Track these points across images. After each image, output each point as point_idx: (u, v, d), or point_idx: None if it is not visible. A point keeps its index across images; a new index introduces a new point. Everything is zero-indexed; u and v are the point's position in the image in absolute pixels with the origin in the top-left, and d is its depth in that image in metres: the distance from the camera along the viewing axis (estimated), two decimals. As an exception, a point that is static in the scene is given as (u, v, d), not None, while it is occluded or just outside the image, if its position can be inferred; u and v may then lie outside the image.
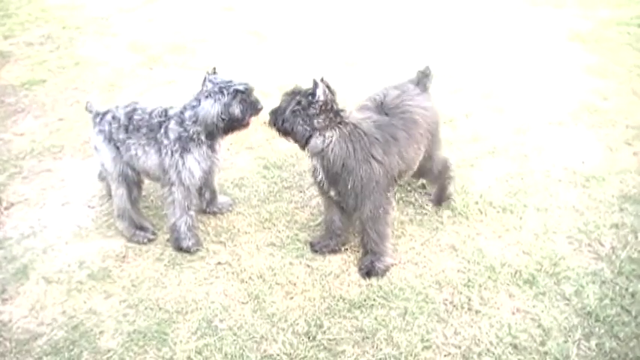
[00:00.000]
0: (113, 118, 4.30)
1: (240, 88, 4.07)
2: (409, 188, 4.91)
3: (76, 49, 7.74)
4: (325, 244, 4.38)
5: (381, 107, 4.14)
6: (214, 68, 4.20)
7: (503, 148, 5.40)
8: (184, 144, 4.16)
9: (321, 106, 3.78)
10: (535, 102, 6.17)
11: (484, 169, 5.11)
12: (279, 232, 4.56)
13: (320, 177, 4.04)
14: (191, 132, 4.15)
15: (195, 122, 4.13)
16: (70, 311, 4.01)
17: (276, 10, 8.93)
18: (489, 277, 4.07)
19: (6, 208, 4.97)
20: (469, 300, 3.92)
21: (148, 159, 4.25)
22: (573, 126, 5.74)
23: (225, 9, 8.99)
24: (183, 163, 4.18)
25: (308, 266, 4.24)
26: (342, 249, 4.41)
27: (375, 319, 3.81)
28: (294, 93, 3.90)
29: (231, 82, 4.09)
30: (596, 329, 3.68)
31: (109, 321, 3.91)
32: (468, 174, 5.06)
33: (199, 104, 4.12)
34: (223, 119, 4.09)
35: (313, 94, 3.77)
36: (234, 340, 3.72)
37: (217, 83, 4.07)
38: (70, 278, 4.27)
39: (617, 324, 3.70)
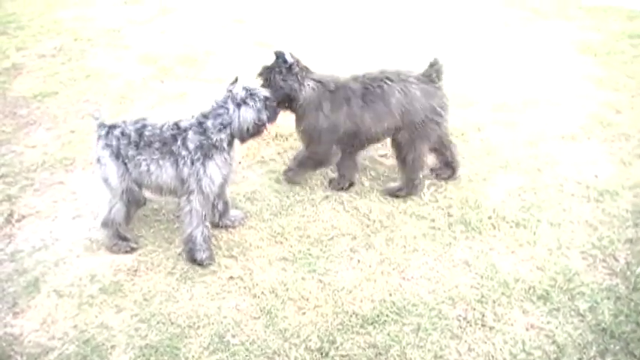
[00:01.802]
0: (122, 134, 4.29)
1: (267, 94, 4.27)
2: (421, 202, 4.89)
3: (88, 62, 7.75)
4: (340, 182, 5.11)
5: (361, 77, 4.73)
6: (237, 78, 4.28)
7: (516, 162, 5.37)
8: (206, 151, 4.22)
9: (298, 65, 4.64)
10: (547, 115, 6.14)
11: (497, 183, 5.08)
12: (291, 246, 4.54)
13: None
14: (214, 139, 4.20)
15: (221, 130, 4.19)
16: (82, 325, 4.00)
17: (286, 22, 8.94)
18: (503, 293, 4.05)
19: (17, 221, 4.97)
20: (483, 316, 3.89)
21: (163, 172, 4.26)
22: (586, 140, 5.71)
23: (235, 21, 9.00)
24: (205, 171, 4.22)
25: (320, 281, 4.22)
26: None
27: (388, 335, 3.79)
28: (269, 69, 4.67)
29: (256, 89, 4.26)
30: (612, 346, 3.65)
31: (121, 335, 3.90)
32: (480, 188, 5.04)
33: (228, 112, 4.18)
34: (256, 124, 4.21)
35: (285, 61, 4.58)
36: (247, 356, 3.70)
37: (248, 90, 4.19)
38: (82, 292, 4.26)
39: (633, 341, 3.67)
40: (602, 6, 9.27)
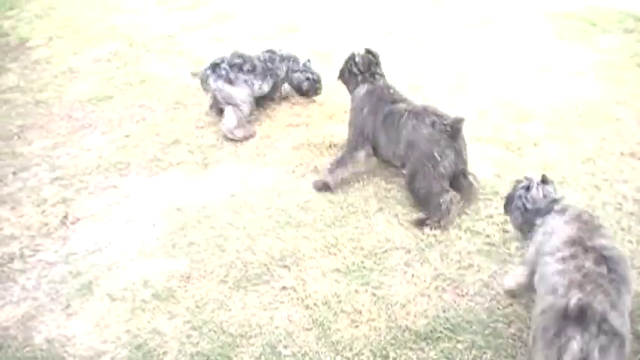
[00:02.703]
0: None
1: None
2: (477, 217, 4.81)
3: (142, 67, 7.84)
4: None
5: (410, 103, 5.09)
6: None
7: (573, 179, 5.24)
8: None
9: (358, 67, 5.34)
10: (605, 131, 5.98)
11: (554, 199, 4.97)
12: (345, 258, 4.50)
13: None
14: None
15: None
16: (134, 330, 4.04)
17: (340, 29, 8.90)
18: (560, 313, 3.95)
19: (72, 223, 5.05)
20: (538, 336, 3.81)
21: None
22: (645, 158, 5.56)
23: (290, 30, 8.97)
24: None
25: (374, 294, 4.18)
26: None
27: (442, 351, 3.74)
28: (346, 60, 5.48)
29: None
30: (674, 373, 3.55)
31: (173, 342, 3.93)
32: (537, 204, 4.93)
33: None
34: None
35: (355, 62, 5.33)
36: (298, 368, 3.69)
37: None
38: (135, 296, 4.30)
39: (696, 368, 3.56)
40: (663, 19, 9.05)
